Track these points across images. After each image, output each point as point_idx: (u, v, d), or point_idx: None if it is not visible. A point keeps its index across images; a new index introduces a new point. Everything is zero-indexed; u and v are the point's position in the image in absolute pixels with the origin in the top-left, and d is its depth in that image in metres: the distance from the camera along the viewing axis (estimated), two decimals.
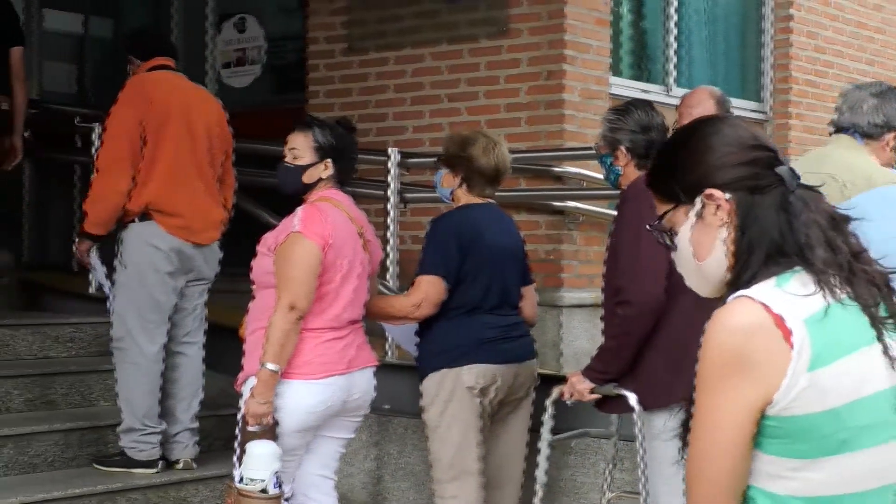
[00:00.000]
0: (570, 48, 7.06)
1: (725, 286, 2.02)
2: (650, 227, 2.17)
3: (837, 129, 4.30)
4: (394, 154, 6.39)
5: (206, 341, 5.81)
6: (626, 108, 4.61)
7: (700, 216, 2.06)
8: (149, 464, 5.52)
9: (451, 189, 4.89)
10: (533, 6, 7.14)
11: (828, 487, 1.93)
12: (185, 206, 5.53)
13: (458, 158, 4.87)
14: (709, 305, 2.02)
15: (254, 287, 4.52)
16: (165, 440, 5.63)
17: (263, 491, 4.08)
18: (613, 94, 7.31)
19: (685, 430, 2.00)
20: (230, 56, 9.11)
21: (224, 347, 5.88)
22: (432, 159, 5.40)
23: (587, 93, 7.11)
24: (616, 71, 7.64)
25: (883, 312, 1.98)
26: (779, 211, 1.99)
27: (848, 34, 9.63)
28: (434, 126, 7.44)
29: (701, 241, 2.07)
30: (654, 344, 4.23)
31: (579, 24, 7.13)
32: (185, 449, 5.65)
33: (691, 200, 2.07)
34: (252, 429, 4.21)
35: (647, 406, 4.26)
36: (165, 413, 5.64)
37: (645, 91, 7.81)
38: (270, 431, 4.24)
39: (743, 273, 1.98)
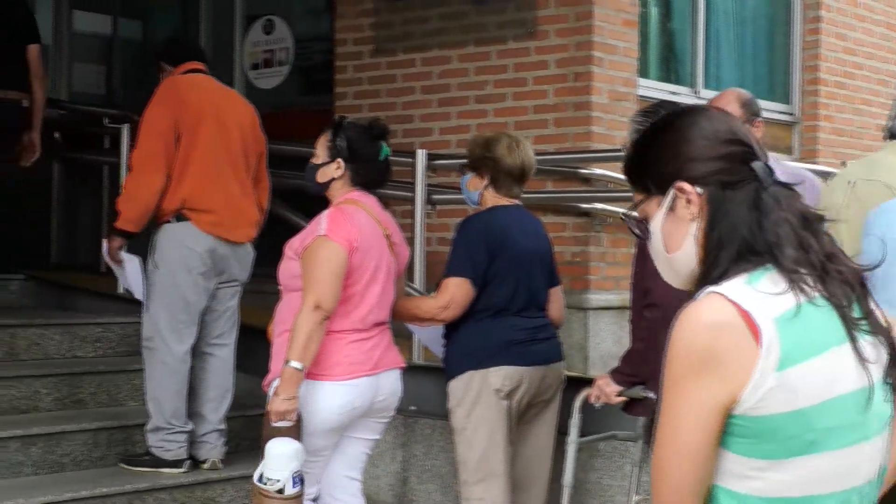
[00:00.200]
0: (598, 50, 7.04)
1: (696, 281, 2.00)
2: (623, 217, 2.17)
3: (892, 134, 4.25)
4: (421, 156, 6.39)
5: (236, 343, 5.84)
6: (654, 109, 4.59)
7: (672, 209, 2.03)
8: (176, 463, 5.55)
9: (478, 192, 4.89)
10: (561, 8, 7.13)
11: (792, 489, 1.90)
12: (220, 203, 5.56)
13: (483, 160, 4.87)
14: None
15: (281, 289, 4.54)
16: (193, 440, 5.65)
17: (281, 491, 4.08)
18: (641, 96, 7.29)
19: (651, 429, 1.99)
20: (258, 57, 9.13)
21: (252, 348, 5.90)
22: (460, 161, 5.40)
23: (615, 94, 7.10)
24: (644, 72, 7.61)
25: (857, 313, 1.95)
26: (750, 208, 1.96)
27: (878, 35, 9.57)
28: (461, 128, 7.44)
29: (672, 234, 2.05)
30: None
31: (607, 25, 7.11)
32: (213, 449, 5.67)
33: (662, 192, 2.04)
34: (276, 425, 4.22)
35: None
36: (194, 413, 5.67)
37: (673, 93, 7.79)
38: (295, 431, 4.24)
39: (712, 269, 1.96)
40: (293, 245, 4.46)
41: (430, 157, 6.53)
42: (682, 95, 7.88)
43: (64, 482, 5.38)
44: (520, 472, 4.88)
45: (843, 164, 6.98)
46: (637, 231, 2.12)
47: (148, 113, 5.58)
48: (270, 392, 4.36)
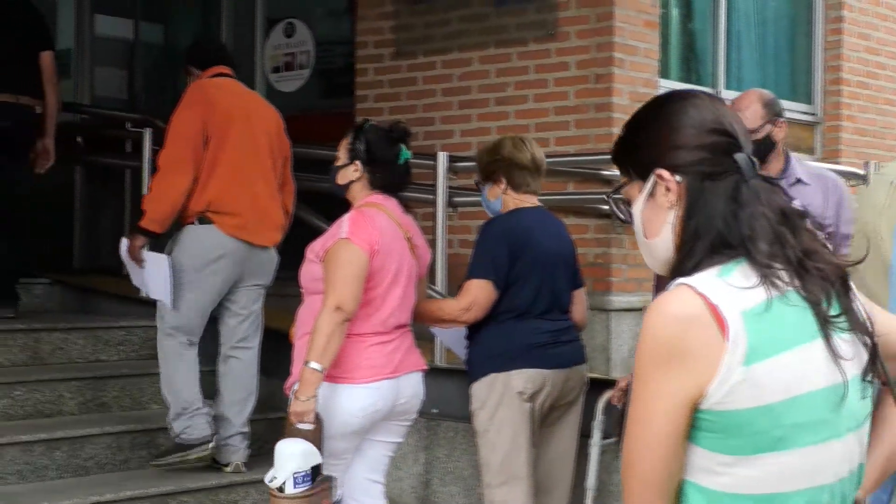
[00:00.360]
0: (619, 51, 7.03)
1: (671, 270, 1.98)
2: (607, 197, 2.17)
3: None
4: (442, 158, 6.39)
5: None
6: None
7: (652, 195, 2.02)
8: (203, 442, 5.56)
9: (498, 199, 4.88)
10: (581, 9, 7.11)
11: (760, 485, 1.88)
12: (245, 207, 5.59)
13: (493, 164, 4.89)
14: None
15: (302, 292, 4.54)
16: (218, 443, 5.67)
17: (281, 489, 4.07)
18: None
19: (622, 423, 1.98)
20: (279, 60, 9.15)
21: (274, 351, 5.91)
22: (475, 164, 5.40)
23: (636, 95, 7.08)
24: (665, 73, 7.59)
25: (835, 310, 1.93)
26: (728, 200, 1.94)
27: None
28: (482, 130, 7.44)
29: (651, 220, 2.04)
30: None
31: (628, 26, 7.10)
32: (236, 452, 5.69)
33: (643, 178, 2.03)
34: (300, 426, 4.22)
35: None
36: (217, 416, 5.69)
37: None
38: (315, 433, 4.24)
39: (687, 260, 1.94)
40: (314, 248, 4.47)
41: (452, 160, 6.53)
42: None
43: (88, 485, 5.41)
44: (543, 474, 4.88)
45: (867, 164, 6.95)
46: (619, 214, 2.12)
47: (177, 115, 5.62)
48: (292, 395, 4.36)
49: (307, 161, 6.94)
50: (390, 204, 4.57)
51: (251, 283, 5.74)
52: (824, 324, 1.90)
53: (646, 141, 2.05)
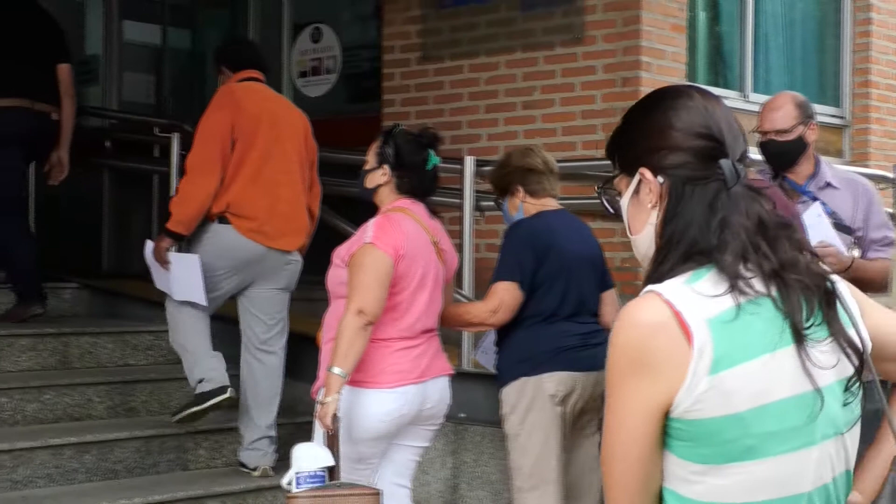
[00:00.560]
0: (646, 54, 7.01)
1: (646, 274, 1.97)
2: (597, 189, 2.16)
3: None
4: (469, 162, 6.39)
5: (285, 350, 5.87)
6: None
7: (636, 192, 2.02)
8: (220, 390, 5.56)
9: (519, 210, 4.88)
10: (608, 13, 7.11)
11: (734, 494, 1.87)
12: (263, 210, 5.61)
13: (505, 176, 4.91)
14: None
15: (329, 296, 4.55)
16: (245, 445, 5.70)
17: (288, 490, 4.10)
18: None
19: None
20: (306, 65, 9.18)
21: (301, 355, 5.92)
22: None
23: None
24: (692, 77, 7.58)
25: (816, 319, 1.90)
26: (706, 208, 1.92)
27: None
28: (509, 133, 7.44)
29: (634, 217, 2.03)
30: None
31: (655, 30, 7.08)
32: (264, 457, 5.70)
33: (630, 174, 2.03)
34: (322, 429, 4.22)
35: None
36: (242, 419, 5.70)
37: (722, 97, 7.72)
38: (332, 437, 4.22)
39: (661, 266, 1.93)
40: (340, 252, 4.48)
41: (479, 164, 6.52)
42: (730, 99, 7.82)
43: (117, 489, 5.43)
44: (573, 479, 4.86)
45: None
46: (607, 206, 2.12)
47: (205, 118, 5.66)
48: (318, 399, 4.37)
49: (334, 165, 6.96)
50: (417, 208, 4.57)
51: (269, 286, 5.75)
52: (797, 332, 1.88)
53: (633, 138, 2.04)
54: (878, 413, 2.25)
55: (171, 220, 5.62)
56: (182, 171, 5.75)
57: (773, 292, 1.88)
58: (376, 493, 3.97)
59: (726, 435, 1.84)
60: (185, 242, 5.81)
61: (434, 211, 4.70)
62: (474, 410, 5.85)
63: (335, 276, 4.47)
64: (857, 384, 1.93)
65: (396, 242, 4.37)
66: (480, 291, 5.57)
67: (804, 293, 1.90)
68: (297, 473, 4.07)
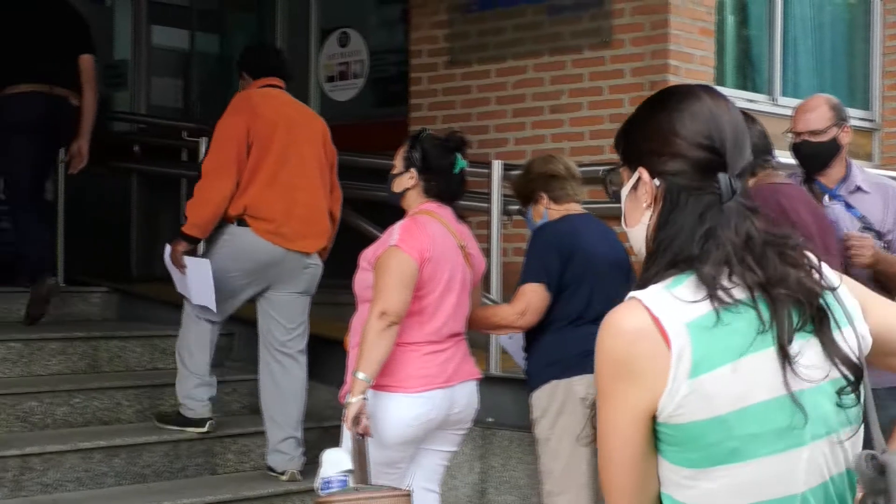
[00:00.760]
0: (674, 58, 7.00)
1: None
2: (602, 174, 2.17)
3: None
4: (497, 166, 6.38)
5: (310, 353, 5.86)
6: None
7: (635, 187, 2.02)
8: (199, 422, 5.79)
9: (543, 217, 4.88)
10: (636, 17, 7.09)
11: (724, 498, 1.87)
12: (280, 213, 5.63)
13: (529, 184, 4.91)
14: None
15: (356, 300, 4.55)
16: (271, 448, 5.71)
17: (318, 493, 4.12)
18: None
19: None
20: (333, 70, 9.20)
21: (329, 359, 5.93)
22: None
23: None
24: (720, 80, 7.55)
25: (807, 328, 1.89)
26: (696, 219, 1.92)
27: None
28: (537, 137, 7.43)
29: (630, 210, 2.04)
30: None
31: (683, 33, 7.07)
32: (291, 461, 5.69)
33: (630, 169, 2.03)
34: (349, 433, 4.22)
35: None
36: (267, 422, 5.71)
37: (750, 100, 7.72)
38: (359, 442, 4.23)
39: (646, 271, 1.94)
40: (367, 255, 4.47)
41: (506, 168, 6.52)
42: (759, 103, 7.80)
43: (146, 493, 5.45)
44: None
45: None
46: (609, 191, 2.12)
47: (221, 123, 5.68)
48: (346, 404, 4.37)
49: (361, 170, 6.97)
50: (444, 212, 4.57)
51: (289, 290, 5.75)
52: (781, 339, 1.87)
53: (637, 137, 2.04)
54: None
55: (187, 223, 5.66)
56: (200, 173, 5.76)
57: (760, 305, 1.87)
58: (407, 495, 3.97)
59: (710, 438, 1.85)
60: (205, 245, 5.84)
61: (461, 215, 4.69)
62: (502, 415, 5.84)
63: (362, 279, 4.46)
64: (852, 394, 1.92)
65: (422, 246, 4.36)
66: (508, 296, 5.56)
67: (795, 306, 1.89)
68: (322, 478, 4.09)
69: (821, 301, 1.92)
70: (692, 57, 7.13)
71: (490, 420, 5.83)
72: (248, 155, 5.60)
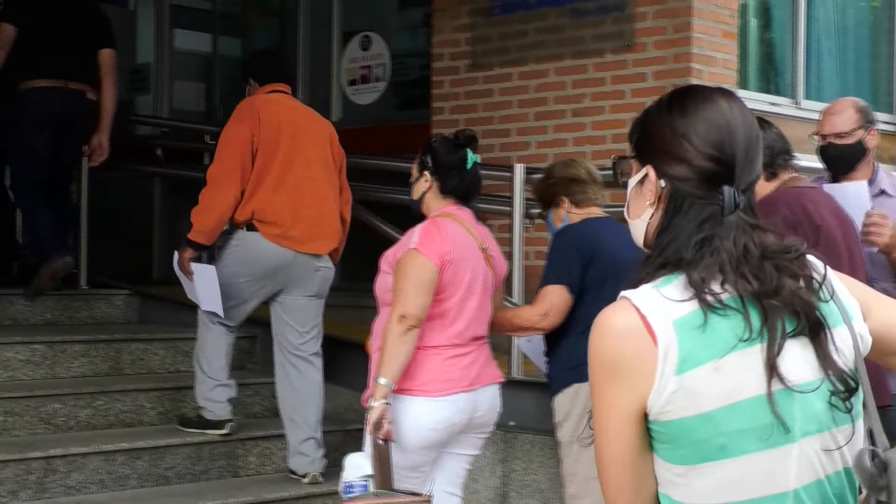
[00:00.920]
0: (697, 62, 6.98)
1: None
2: (613, 160, 2.18)
3: None
4: (519, 170, 6.38)
5: (332, 356, 5.87)
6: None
7: (641, 182, 2.04)
8: (219, 424, 5.81)
9: (564, 221, 4.87)
10: (659, 20, 7.08)
11: (715, 495, 1.88)
12: (288, 216, 5.65)
13: (550, 188, 4.90)
14: None
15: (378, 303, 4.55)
16: (291, 450, 5.73)
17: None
18: None
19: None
20: (355, 73, 9.21)
21: (351, 363, 5.93)
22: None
23: None
24: (743, 84, 7.53)
25: (803, 333, 1.89)
26: (695, 228, 1.93)
27: None
28: (558, 141, 7.42)
29: (634, 203, 2.07)
30: None
31: (706, 37, 7.05)
32: (312, 463, 5.70)
33: (639, 163, 2.05)
34: (371, 437, 4.23)
35: None
36: (287, 424, 5.71)
37: (773, 104, 7.69)
38: (381, 446, 4.22)
39: (641, 270, 1.98)
40: (387, 258, 4.47)
41: (528, 171, 6.51)
42: (782, 106, 7.77)
43: (169, 495, 5.47)
44: None
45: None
46: (618, 177, 2.14)
47: (226, 130, 5.72)
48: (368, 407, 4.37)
49: (383, 173, 6.97)
50: (464, 214, 4.56)
51: (300, 293, 5.76)
52: (772, 339, 1.87)
53: (649, 135, 2.04)
54: None
55: (192, 230, 5.68)
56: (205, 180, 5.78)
57: (750, 310, 1.88)
58: (427, 501, 3.98)
59: (698, 434, 1.87)
60: (216, 250, 5.84)
61: (481, 217, 4.69)
62: (524, 418, 5.84)
63: (383, 283, 4.46)
64: (846, 399, 1.92)
65: (442, 249, 4.35)
66: (530, 299, 5.55)
67: (790, 316, 1.89)
68: (344, 483, 4.10)
69: (817, 314, 1.92)
70: (715, 60, 7.11)
71: (512, 424, 5.82)
72: (253, 161, 5.62)
